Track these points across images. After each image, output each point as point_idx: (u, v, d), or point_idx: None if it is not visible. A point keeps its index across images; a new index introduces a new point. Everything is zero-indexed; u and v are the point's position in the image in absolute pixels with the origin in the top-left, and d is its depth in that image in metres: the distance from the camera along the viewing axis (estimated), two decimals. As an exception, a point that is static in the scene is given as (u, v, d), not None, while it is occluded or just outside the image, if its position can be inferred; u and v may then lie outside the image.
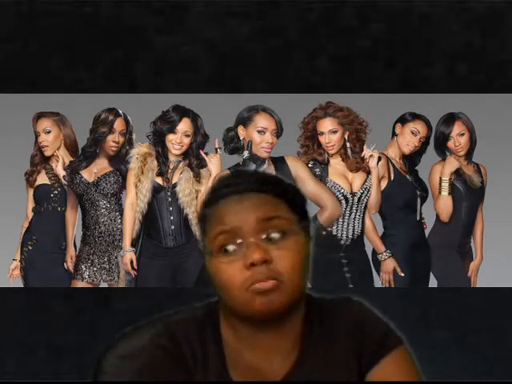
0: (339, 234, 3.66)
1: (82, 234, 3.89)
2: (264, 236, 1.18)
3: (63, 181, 3.88)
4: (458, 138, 3.91)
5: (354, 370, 1.26)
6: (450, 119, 3.93)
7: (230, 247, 1.18)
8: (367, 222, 3.78)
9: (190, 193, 3.65)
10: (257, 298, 1.16)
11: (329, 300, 1.31)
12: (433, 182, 3.95)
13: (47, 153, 3.96)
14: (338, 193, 3.64)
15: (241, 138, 3.52)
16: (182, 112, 3.66)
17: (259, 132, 3.48)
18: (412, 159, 3.98)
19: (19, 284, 4.00)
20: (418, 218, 3.92)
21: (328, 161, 3.72)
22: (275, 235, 1.18)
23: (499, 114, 4.24)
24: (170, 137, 3.65)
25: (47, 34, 3.51)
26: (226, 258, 1.18)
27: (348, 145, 3.69)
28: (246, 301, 1.17)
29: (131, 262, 3.64)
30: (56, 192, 3.95)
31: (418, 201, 3.92)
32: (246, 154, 3.47)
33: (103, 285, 3.85)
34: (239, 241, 1.17)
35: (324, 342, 1.27)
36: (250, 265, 1.16)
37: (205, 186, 3.65)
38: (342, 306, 1.30)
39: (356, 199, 3.69)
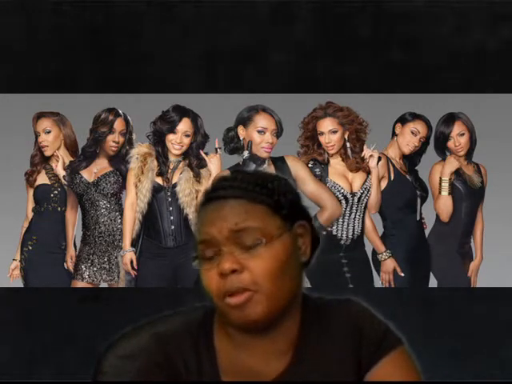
0: (339, 234, 3.66)
1: (82, 234, 3.89)
2: (238, 246, 1.18)
3: (63, 181, 3.87)
4: (457, 138, 3.91)
5: (352, 371, 1.26)
6: (450, 119, 3.93)
7: (209, 255, 1.19)
8: (367, 222, 3.78)
9: (190, 193, 3.65)
10: (233, 312, 1.17)
11: (327, 300, 1.31)
12: (433, 182, 3.95)
13: (47, 153, 3.96)
14: (337, 193, 3.64)
15: (241, 138, 3.52)
16: (182, 112, 3.66)
17: (259, 132, 3.48)
18: (412, 159, 3.98)
19: (19, 284, 4.00)
20: (418, 218, 3.92)
21: (328, 161, 3.72)
22: (249, 244, 1.18)
23: (499, 114, 4.23)
24: (170, 137, 3.65)
25: (47, 33, 3.51)
26: (205, 265, 1.20)
27: (348, 145, 3.69)
28: (224, 312, 1.19)
29: (131, 262, 3.64)
30: (56, 192, 3.95)
31: (418, 201, 3.92)
32: (246, 153, 3.47)
33: (103, 285, 3.85)
34: (216, 250, 1.19)
35: (321, 342, 1.27)
36: (220, 274, 1.17)
37: (205, 186, 3.65)
38: (340, 306, 1.30)
39: (356, 199, 3.69)
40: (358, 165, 3.70)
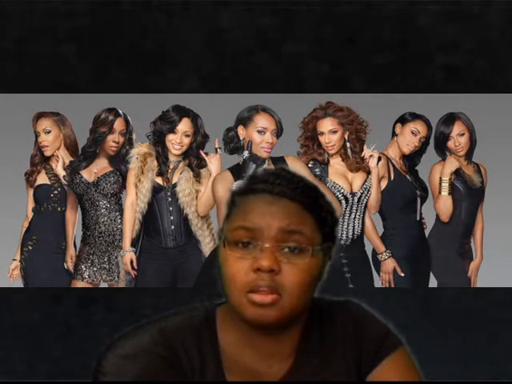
0: (339, 234, 3.66)
1: (82, 233, 3.89)
2: (281, 246, 1.16)
3: (63, 181, 3.88)
4: (458, 138, 3.91)
5: (354, 373, 1.26)
6: (449, 119, 3.93)
7: (245, 244, 1.17)
8: (367, 221, 3.78)
9: (190, 193, 3.65)
10: (252, 308, 1.16)
11: (327, 302, 1.31)
12: (433, 182, 3.95)
13: (47, 153, 3.96)
14: (337, 193, 3.64)
15: (241, 138, 3.52)
16: (182, 112, 3.66)
17: (259, 132, 3.48)
18: (412, 159, 3.98)
19: (19, 284, 4.00)
20: (418, 218, 3.92)
21: (328, 161, 3.72)
22: (292, 249, 1.16)
23: (499, 114, 4.24)
24: (170, 137, 3.65)
25: (47, 33, 3.51)
26: (237, 252, 1.17)
27: (348, 145, 3.69)
28: (242, 305, 1.17)
29: (131, 262, 3.65)
30: (56, 192, 3.96)
31: (418, 201, 3.91)
32: (246, 153, 3.46)
33: (103, 285, 3.85)
34: (256, 242, 1.16)
35: (322, 344, 1.27)
36: (257, 269, 1.15)
37: (205, 186, 3.65)
38: (341, 308, 1.30)
39: (356, 199, 3.69)
40: (358, 165, 3.70)
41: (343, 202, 3.65)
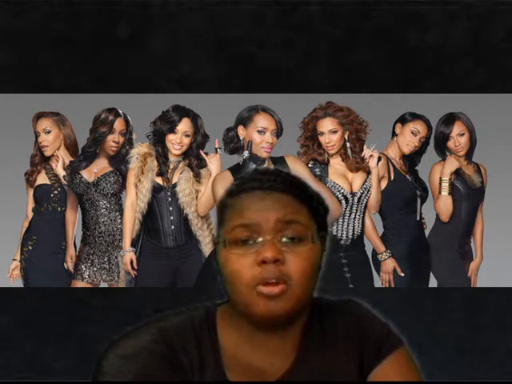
0: (339, 234, 3.66)
1: (82, 233, 3.90)
2: (281, 237, 1.18)
3: (63, 181, 3.88)
4: (458, 138, 3.91)
5: (354, 372, 1.26)
6: (449, 119, 3.93)
7: (246, 241, 1.18)
8: (367, 221, 3.78)
9: (190, 193, 3.65)
10: (262, 301, 1.17)
11: (328, 301, 1.31)
12: (433, 182, 3.95)
13: (47, 153, 3.96)
14: (338, 193, 3.64)
15: (241, 138, 3.52)
16: (182, 112, 3.66)
17: (259, 132, 3.48)
18: (412, 159, 3.98)
19: (19, 284, 4.00)
20: (418, 218, 3.92)
21: (328, 161, 3.72)
22: (292, 239, 1.19)
23: (499, 114, 4.23)
24: (170, 137, 3.65)
25: (47, 33, 3.51)
26: (239, 250, 1.18)
27: (348, 145, 3.69)
28: (251, 300, 1.17)
29: (131, 262, 3.65)
30: (56, 192, 3.96)
31: (418, 201, 3.92)
32: (246, 153, 3.46)
33: (103, 285, 3.85)
34: (256, 237, 1.18)
35: (323, 343, 1.27)
36: (262, 262, 1.16)
37: (205, 186, 3.65)
38: (342, 307, 1.30)
39: (356, 199, 3.69)
40: (358, 165, 3.70)
41: (343, 201, 3.65)
